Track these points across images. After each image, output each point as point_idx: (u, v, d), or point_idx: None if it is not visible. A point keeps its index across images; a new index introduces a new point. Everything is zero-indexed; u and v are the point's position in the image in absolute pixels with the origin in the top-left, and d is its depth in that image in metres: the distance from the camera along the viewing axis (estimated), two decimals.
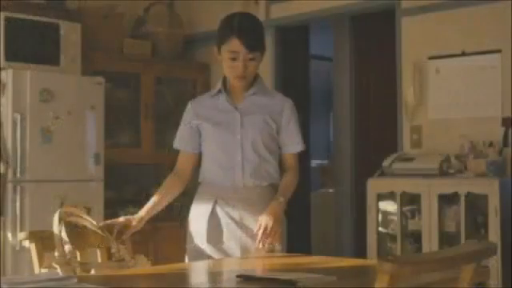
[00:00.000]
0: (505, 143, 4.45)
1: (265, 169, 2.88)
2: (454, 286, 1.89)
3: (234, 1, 5.58)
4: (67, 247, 2.48)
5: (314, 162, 7.67)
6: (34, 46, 4.88)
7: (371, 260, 3.63)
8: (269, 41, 4.95)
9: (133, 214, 2.87)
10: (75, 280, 2.02)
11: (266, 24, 3.92)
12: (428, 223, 4.41)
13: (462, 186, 4.31)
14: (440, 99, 4.79)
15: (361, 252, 5.34)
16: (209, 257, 2.83)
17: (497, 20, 4.55)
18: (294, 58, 5.98)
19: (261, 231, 2.72)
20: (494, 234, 4.14)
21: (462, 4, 4.69)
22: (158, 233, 5.30)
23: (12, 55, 4.75)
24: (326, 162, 8.39)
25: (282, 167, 2.97)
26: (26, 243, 2.60)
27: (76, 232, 2.63)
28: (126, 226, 2.75)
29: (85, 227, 2.66)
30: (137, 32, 5.85)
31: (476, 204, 4.34)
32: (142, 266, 2.64)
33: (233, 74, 2.85)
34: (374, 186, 4.68)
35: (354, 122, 6.42)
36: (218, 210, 2.86)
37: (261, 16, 5.40)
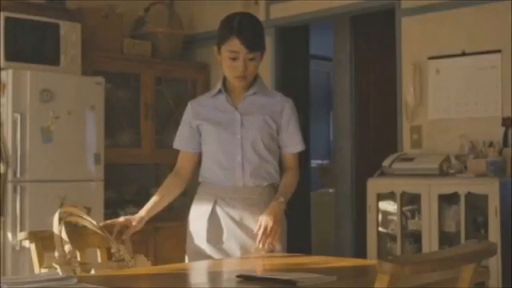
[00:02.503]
0: (505, 143, 4.45)
1: (265, 169, 2.88)
2: (453, 286, 1.89)
3: (234, 1, 5.58)
4: (67, 247, 2.48)
5: (314, 162, 7.67)
6: (33, 46, 4.88)
7: (371, 260, 3.63)
8: (269, 41, 4.95)
9: (133, 214, 2.87)
10: (75, 280, 2.02)
11: (265, 24, 3.92)
12: (428, 223, 4.41)
13: (462, 186, 4.31)
14: (440, 99, 4.79)
15: (361, 252, 5.34)
16: (209, 257, 2.83)
17: (497, 20, 4.55)
18: (293, 57, 5.98)
19: (261, 231, 2.72)
20: (494, 234, 4.14)
21: (462, 4, 4.69)
22: (158, 233, 5.31)
23: (12, 55, 4.75)
24: (326, 161, 8.39)
25: (282, 167, 2.97)
26: (26, 243, 2.60)
27: (76, 232, 2.63)
28: (125, 226, 2.75)
29: (85, 227, 2.67)
30: (137, 32, 5.85)
31: (476, 204, 4.34)
32: (142, 266, 2.64)
33: (233, 74, 2.85)
34: (373, 185, 4.68)
35: (354, 122, 6.42)
36: (218, 210, 2.86)
37: (261, 16, 5.40)
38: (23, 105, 4.65)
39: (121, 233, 2.73)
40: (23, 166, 4.64)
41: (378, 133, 6.22)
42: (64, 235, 2.51)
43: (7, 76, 4.65)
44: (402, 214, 4.60)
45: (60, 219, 2.55)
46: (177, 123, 3.11)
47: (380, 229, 4.70)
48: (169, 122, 5.78)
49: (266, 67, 5.50)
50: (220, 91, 2.93)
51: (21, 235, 2.66)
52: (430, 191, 4.41)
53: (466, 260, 1.83)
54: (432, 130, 4.82)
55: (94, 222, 2.67)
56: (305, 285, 1.96)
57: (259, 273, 2.40)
